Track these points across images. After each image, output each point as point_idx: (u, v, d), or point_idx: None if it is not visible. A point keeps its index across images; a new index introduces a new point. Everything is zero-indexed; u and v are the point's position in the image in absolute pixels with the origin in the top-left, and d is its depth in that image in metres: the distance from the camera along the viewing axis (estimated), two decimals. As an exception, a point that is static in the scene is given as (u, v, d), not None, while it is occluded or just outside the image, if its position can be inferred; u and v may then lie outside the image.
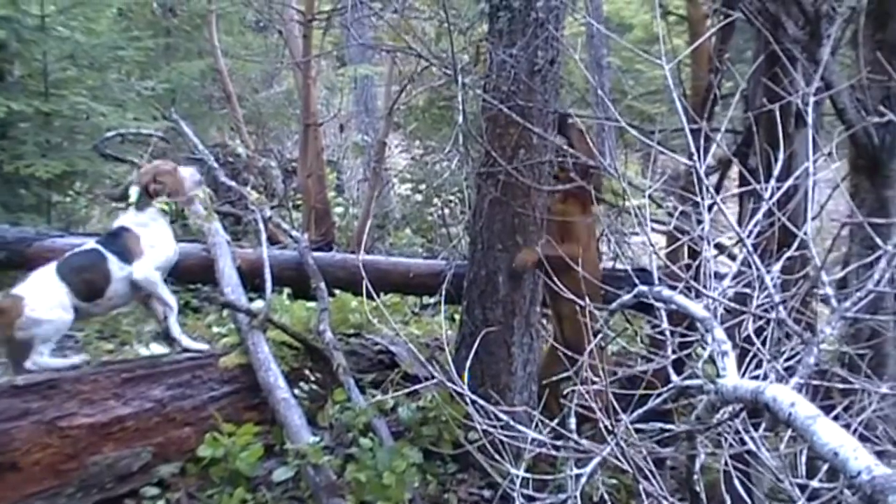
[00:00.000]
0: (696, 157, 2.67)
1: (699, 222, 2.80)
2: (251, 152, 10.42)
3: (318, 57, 8.97)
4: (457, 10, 5.59)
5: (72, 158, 7.83)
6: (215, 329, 5.93)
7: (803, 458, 2.46)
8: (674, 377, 2.46)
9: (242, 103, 11.02)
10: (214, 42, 10.07)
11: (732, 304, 2.66)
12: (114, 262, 4.45)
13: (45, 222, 7.58)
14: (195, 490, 4.15)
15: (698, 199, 2.77)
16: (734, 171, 4.94)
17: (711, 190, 2.71)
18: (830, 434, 1.57)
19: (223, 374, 4.54)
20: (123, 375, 4.28)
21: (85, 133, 8.13)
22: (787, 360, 2.37)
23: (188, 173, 4.88)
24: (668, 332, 2.75)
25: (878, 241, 2.44)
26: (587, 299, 2.93)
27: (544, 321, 5.11)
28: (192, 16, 11.07)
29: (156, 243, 4.56)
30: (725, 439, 2.48)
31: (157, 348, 4.91)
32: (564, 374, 3.34)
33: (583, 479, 2.41)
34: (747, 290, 2.54)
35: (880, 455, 1.80)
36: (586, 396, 2.59)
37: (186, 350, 4.64)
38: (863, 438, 2.23)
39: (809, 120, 2.82)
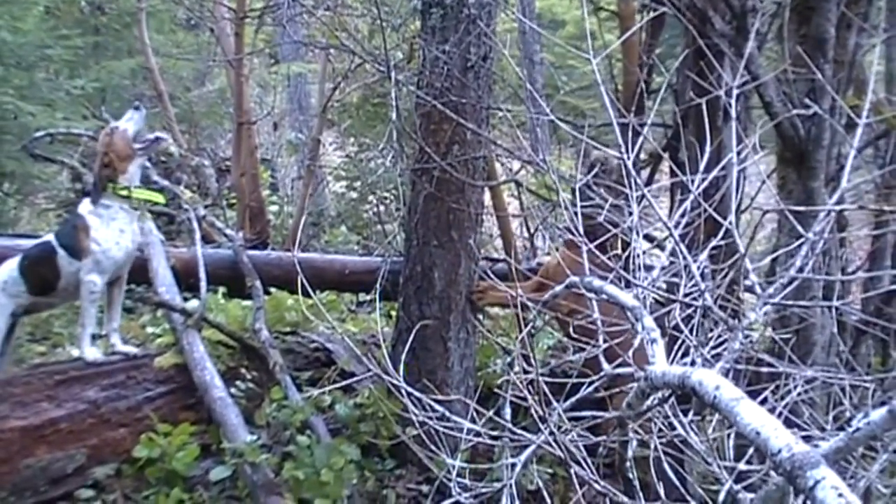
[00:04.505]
0: (624, 151, 2.71)
1: (630, 214, 2.85)
2: (184, 151, 10.29)
3: (250, 55, 8.89)
4: (389, 7, 5.58)
5: (-1, 159, 7.69)
6: (150, 329, 5.87)
7: (731, 443, 2.52)
8: (605, 365, 2.50)
9: (174, 102, 10.85)
10: (145, 40, 9.91)
11: (662, 293, 2.71)
12: (63, 257, 4.28)
13: (-29, 224, 7.44)
14: (131, 491, 4.10)
15: (628, 191, 2.81)
16: (667, 164, 5.03)
17: (640, 182, 2.75)
18: (753, 415, 1.61)
19: (158, 374, 4.49)
20: (56, 377, 4.22)
21: (13, 133, 7.92)
22: (714, 346, 2.42)
23: (123, 125, 4.39)
24: (599, 322, 2.80)
25: (801, 229, 2.50)
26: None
27: (480, 317, 5.13)
28: (121, 14, 10.90)
29: (105, 239, 4.26)
30: (656, 425, 2.53)
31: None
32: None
33: (517, 468, 2.44)
34: (676, 280, 2.59)
35: (807, 440, 1.86)
36: (520, 386, 2.62)
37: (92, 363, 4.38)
38: (789, 423, 2.28)
39: (733, 112, 2.89)
